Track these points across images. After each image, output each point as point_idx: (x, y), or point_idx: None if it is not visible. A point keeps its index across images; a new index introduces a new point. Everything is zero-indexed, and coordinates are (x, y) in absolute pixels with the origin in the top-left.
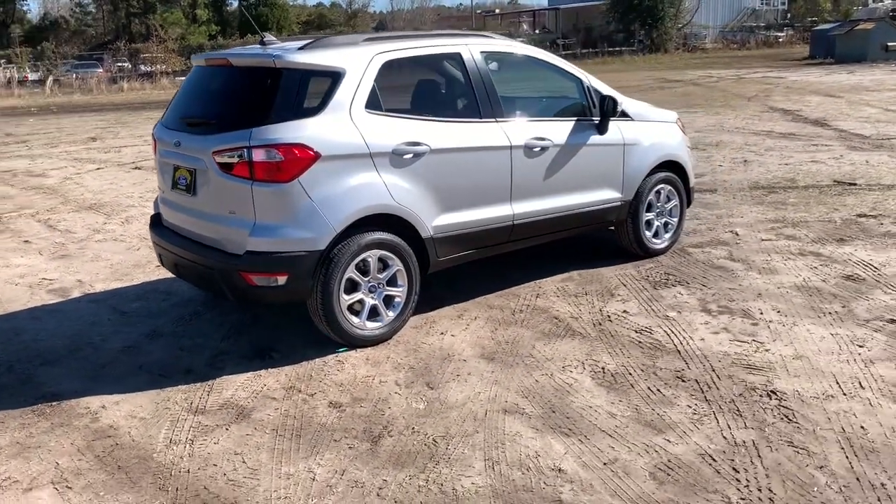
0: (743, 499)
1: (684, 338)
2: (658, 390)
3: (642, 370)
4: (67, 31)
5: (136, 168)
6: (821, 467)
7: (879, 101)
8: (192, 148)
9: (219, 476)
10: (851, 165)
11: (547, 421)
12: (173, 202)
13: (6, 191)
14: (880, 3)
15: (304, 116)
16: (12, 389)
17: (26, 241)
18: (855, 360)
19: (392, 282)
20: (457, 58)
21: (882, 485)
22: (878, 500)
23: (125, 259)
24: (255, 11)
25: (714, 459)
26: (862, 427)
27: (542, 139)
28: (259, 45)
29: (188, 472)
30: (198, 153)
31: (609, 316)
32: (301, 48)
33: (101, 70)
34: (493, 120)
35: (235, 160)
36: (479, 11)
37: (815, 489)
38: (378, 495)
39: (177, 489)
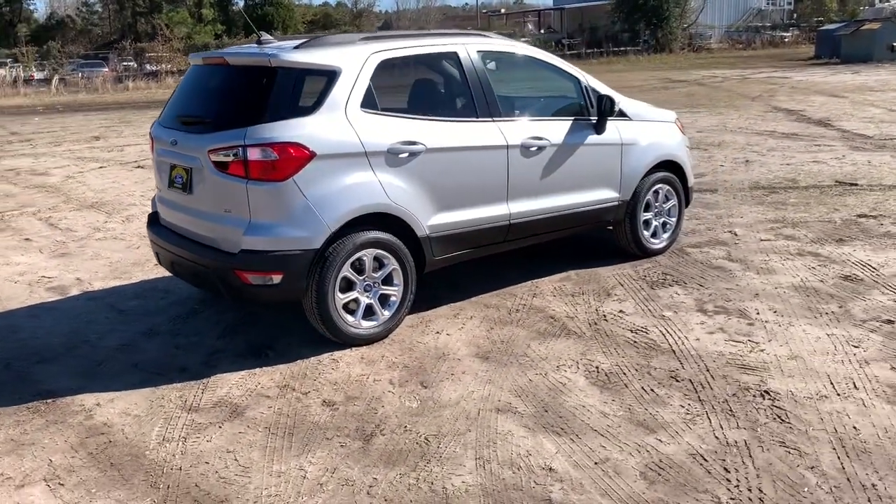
0: (733, 499)
1: (679, 338)
2: (651, 390)
3: (636, 370)
4: (74, 30)
5: (138, 167)
6: (812, 467)
7: (884, 101)
8: (189, 147)
9: (210, 474)
10: (853, 166)
11: (539, 420)
12: (170, 201)
13: (9, 189)
14: (887, 3)
15: (300, 115)
16: (8, 387)
17: (27, 240)
18: (850, 360)
19: (388, 281)
20: (453, 57)
21: (873, 485)
22: (869, 500)
23: (124, 257)
24: (260, 11)
25: (705, 459)
26: (855, 427)
27: (539, 139)
28: (256, 44)
29: (180, 469)
30: (194, 152)
31: (605, 315)
32: (297, 47)
33: (106, 69)
34: (490, 119)
35: (231, 159)
36: (484, 11)
37: (806, 489)
38: (368, 493)
39: (168, 486)
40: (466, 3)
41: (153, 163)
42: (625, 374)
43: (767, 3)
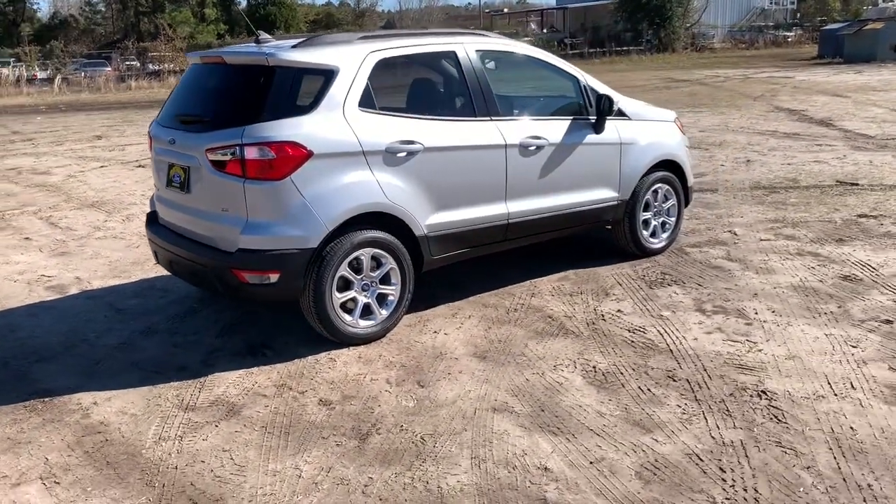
0: (728, 499)
1: (677, 337)
2: (648, 390)
3: (634, 369)
4: (77, 29)
5: (139, 166)
6: (808, 468)
7: (886, 101)
8: (186, 145)
9: (206, 472)
10: (854, 165)
11: (535, 420)
12: (168, 200)
13: (10, 188)
14: (890, 3)
15: (298, 114)
16: (6, 385)
17: (27, 239)
18: (848, 360)
19: (385, 280)
20: (452, 56)
21: (869, 485)
22: (864, 500)
23: (124, 256)
24: (263, 10)
25: (701, 459)
26: (851, 427)
27: (538, 138)
28: (254, 43)
29: (176, 468)
30: (191, 151)
31: (603, 315)
32: (294, 46)
33: (109, 69)
34: (488, 118)
35: (228, 158)
36: (487, 11)
37: (801, 489)
38: (363, 493)
39: (163, 485)
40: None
41: (152, 162)
42: (622, 373)
43: (770, 3)
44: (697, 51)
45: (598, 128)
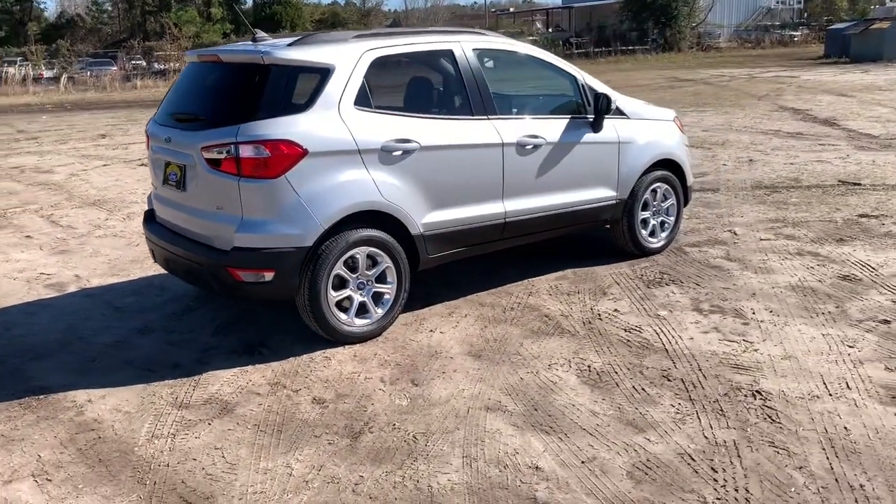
0: (719, 499)
1: (673, 337)
2: (643, 389)
3: (628, 369)
4: (83, 29)
5: (141, 165)
6: (800, 468)
7: (892, 100)
8: (182, 144)
9: (197, 470)
10: (857, 165)
11: (528, 419)
12: (165, 198)
13: (13, 187)
14: None
15: (293, 113)
16: (1, 383)
17: (28, 237)
18: (844, 360)
19: (381, 279)
20: (449, 55)
21: (861, 486)
22: (856, 501)
23: (123, 255)
24: (268, 10)
25: (693, 459)
26: (845, 428)
27: (535, 137)
28: (251, 42)
29: (167, 465)
30: (187, 149)
31: (599, 314)
32: (290, 45)
33: (115, 68)
34: (485, 117)
35: (223, 156)
36: (493, 10)
37: (793, 490)
38: (353, 491)
39: (154, 483)
40: (475, 2)
41: (149, 160)
42: (616, 373)
43: (777, 2)
44: (703, 50)
45: (596, 127)
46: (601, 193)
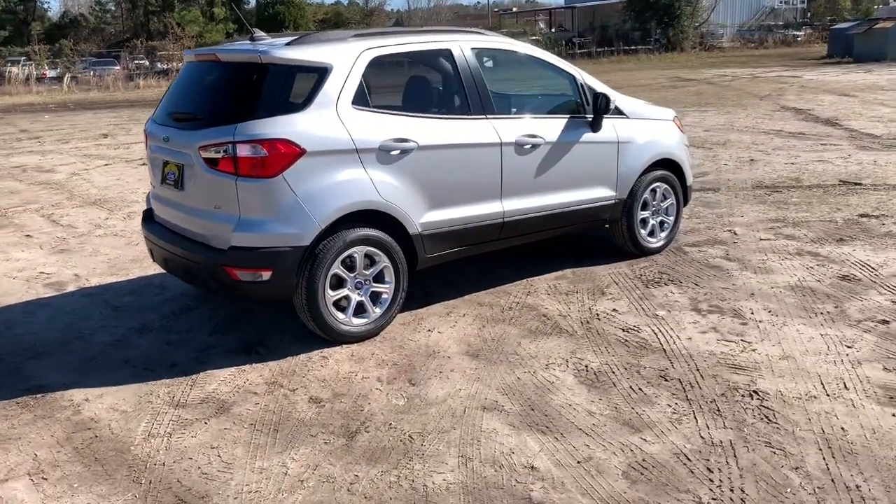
0: (714, 499)
1: (671, 337)
2: (640, 389)
3: (626, 369)
4: (87, 28)
5: (143, 164)
6: (796, 468)
7: (894, 100)
8: (180, 143)
9: (193, 469)
10: (858, 165)
11: (525, 418)
12: (163, 197)
13: (14, 186)
14: None
15: (290, 112)
16: (0, 381)
17: (28, 236)
18: (842, 360)
19: (379, 278)
20: (447, 54)
21: (857, 487)
22: (852, 502)
23: (123, 254)
24: (271, 10)
25: (689, 459)
26: (842, 428)
27: (534, 136)
28: (249, 41)
29: (163, 465)
30: (185, 148)
31: (598, 314)
32: (288, 44)
33: (118, 67)
34: (484, 116)
35: (220, 155)
36: (495, 10)
37: (789, 490)
38: (348, 490)
39: (150, 482)
40: (478, 2)
41: (147, 159)
42: (614, 372)
43: (780, 2)
44: (706, 50)
45: (595, 126)
46: (600, 193)
